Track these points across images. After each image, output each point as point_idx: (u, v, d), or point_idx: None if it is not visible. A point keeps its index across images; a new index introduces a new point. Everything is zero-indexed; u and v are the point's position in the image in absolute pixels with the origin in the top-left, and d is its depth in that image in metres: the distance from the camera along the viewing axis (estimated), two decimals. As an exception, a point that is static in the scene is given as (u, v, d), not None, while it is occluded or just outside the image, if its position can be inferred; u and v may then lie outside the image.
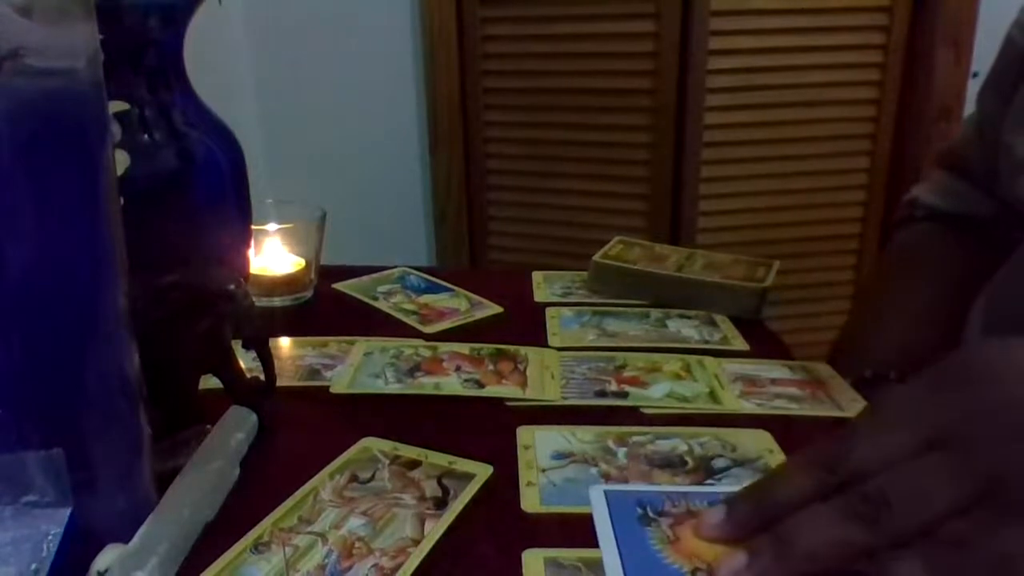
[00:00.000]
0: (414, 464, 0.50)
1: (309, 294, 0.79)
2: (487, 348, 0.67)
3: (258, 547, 0.42)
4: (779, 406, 0.58)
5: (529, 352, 0.66)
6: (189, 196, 0.49)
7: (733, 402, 0.59)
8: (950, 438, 0.34)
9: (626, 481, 0.49)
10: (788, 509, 0.36)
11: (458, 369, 0.63)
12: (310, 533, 0.44)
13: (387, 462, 0.51)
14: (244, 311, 0.53)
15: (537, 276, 0.85)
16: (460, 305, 0.78)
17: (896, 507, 0.33)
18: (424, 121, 1.64)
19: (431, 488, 0.48)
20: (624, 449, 0.52)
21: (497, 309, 0.77)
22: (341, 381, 0.61)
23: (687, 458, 0.51)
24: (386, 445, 0.52)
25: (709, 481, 0.49)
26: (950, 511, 0.32)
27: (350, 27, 1.59)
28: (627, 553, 0.41)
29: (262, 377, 0.56)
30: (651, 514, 0.45)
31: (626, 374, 0.63)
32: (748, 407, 0.58)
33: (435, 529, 0.44)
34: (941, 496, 0.33)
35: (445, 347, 0.67)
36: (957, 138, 0.72)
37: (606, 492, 0.46)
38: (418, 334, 0.71)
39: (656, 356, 0.66)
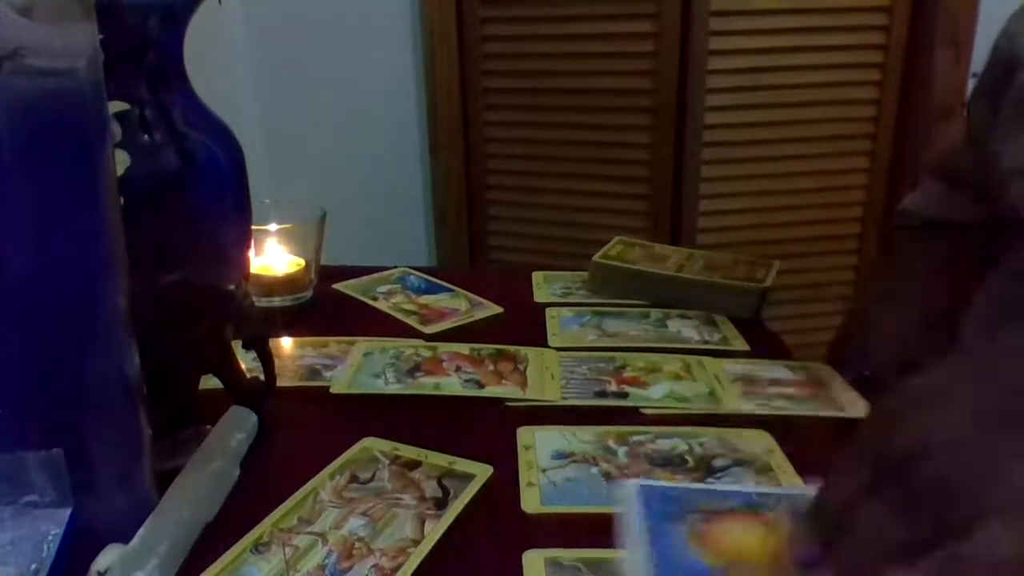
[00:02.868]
0: (414, 464, 0.50)
1: (309, 294, 0.79)
2: (487, 348, 0.67)
3: (258, 547, 0.42)
4: (779, 406, 0.58)
5: (529, 352, 0.66)
6: (189, 196, 0.49)
7: (733, 402, 0.59)
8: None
9: (626, 479, 0.49)
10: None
11: (458, 369, 0.63)
12: (310, 533, 0.44)
13: (387, 462, 0.51)
14: (244, 311, 0.54)
15: (537, 276, 0.85)
16: (460, 305, 0.78)
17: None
18: (424, 121, 1.64)
19: (431, 488, 0.48)
20: (624, 448, 0.52)
21: (497, 309, 0.77)
22: (341, 381, 0.61)
23: (687, 457, 0.51)
24: (386, 445, 0.52)
25: (710, 480, 0.49)
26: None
27: (350, 27, 1.59)
28: (659, 549, 0.41)
29: (262, 377, 0.56)
30: (684, 511, 0.45)
31: (626, 374, 0.63)
32: (748, 407, 0.58)
33: (435, 529, 0.44)
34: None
35: (445, 347, 0.67)
36: (948, 146, 0.72)
37: (641, 487, 0.46)
38: (418, 334, 0.71)
39: (656, 356, 0.66)
